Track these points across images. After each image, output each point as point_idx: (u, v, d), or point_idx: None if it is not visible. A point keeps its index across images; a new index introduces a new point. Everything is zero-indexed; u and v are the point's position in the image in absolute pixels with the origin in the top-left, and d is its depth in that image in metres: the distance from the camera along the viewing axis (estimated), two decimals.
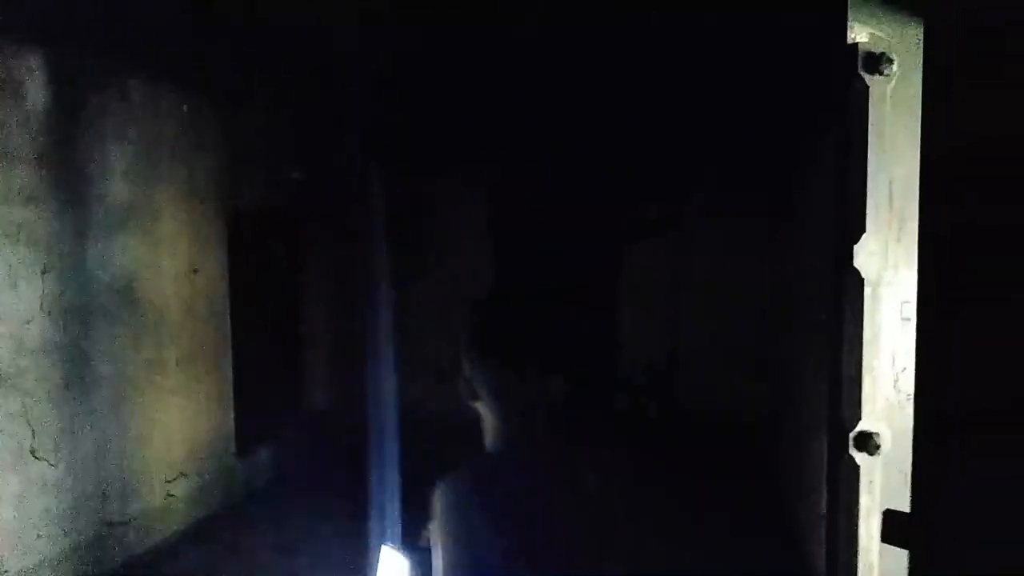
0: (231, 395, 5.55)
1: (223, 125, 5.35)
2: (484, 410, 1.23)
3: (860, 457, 1.14)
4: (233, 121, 5.44)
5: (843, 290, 1.14)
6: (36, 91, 3.83)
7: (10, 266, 3.71)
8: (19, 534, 3.76)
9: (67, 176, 4.06)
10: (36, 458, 3.87)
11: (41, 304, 3.89)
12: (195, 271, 5.11)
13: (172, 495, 4.89)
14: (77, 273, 4.14)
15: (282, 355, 6.16)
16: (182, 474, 5.00)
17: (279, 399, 6.11)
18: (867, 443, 1.12)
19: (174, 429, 4.93)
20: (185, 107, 4.94)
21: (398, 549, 1.43)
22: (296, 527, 5.06)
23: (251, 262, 5.68)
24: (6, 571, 3.68)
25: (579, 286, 6.22)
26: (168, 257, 4.86)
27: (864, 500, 1.16)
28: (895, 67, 1.10)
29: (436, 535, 1.13)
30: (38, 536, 3.87)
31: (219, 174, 5.36)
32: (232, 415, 5.56)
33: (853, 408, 1.13)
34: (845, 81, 1.12)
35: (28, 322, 3.81)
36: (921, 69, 1.10)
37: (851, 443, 1.15)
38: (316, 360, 6.79)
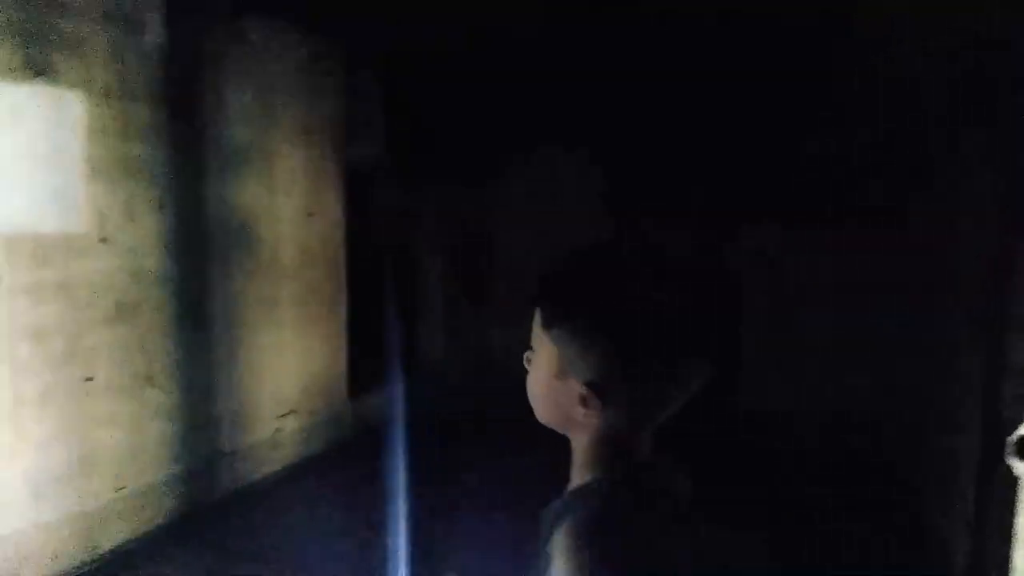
0: (344, 338, 5.63)
1: (340, 70, 5.32)
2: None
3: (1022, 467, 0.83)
4: (350, 66, 5.40)
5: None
6: (155, 29, 3.89)
7: (128, 200, 3.83)
8: (135, 455, 3.95)
9: (185, 115, 4.14)
10: (152, 385, 4.04)
11: (158, 238, 4.02)
12: (310, 214, 5.16)
13: (281, 430, 5.03)
14: (193, 210, 4.24)
15: (396, 302, 6.19)
16: (292, 411, 5.13)
17: (391, 345, 6.15)
18: None
19: (286, 367, 5.05)
20: (304, 51, 4.93)
21: None
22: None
23: (366, 208, 5.68)
24: (123, 487, 3.89)
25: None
26: (283, 199, 4.92)
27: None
28: None
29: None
30: (153, 459, 4.07)
31: (336, 120, 5.35)
32: (344, 357, 5.64)
33: (1018, 406, 0.81)
34: None
35: (145, 255, 3.94)
36: None
37: (1011, 449, 0.83)
38: (430, 308, 6.80)
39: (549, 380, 0.96)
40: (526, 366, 1.01)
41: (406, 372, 6.28)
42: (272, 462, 4.95)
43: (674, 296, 0.91)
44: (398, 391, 6.13)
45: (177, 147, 4.09)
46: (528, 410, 1.02)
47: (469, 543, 3.92)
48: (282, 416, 5.03)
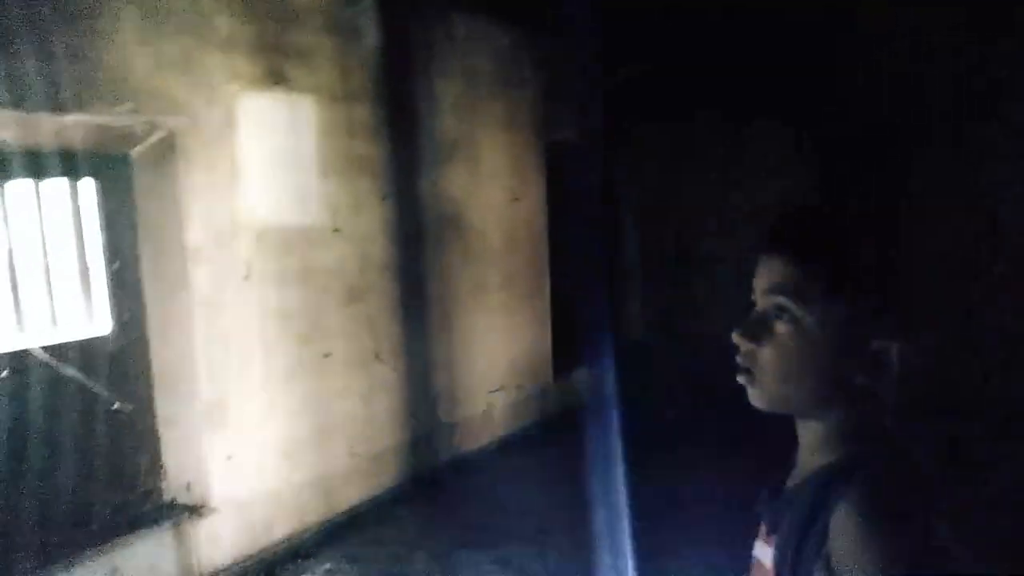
0: (548, 319, 5.78)
1: (538, 58, 5.44)
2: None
3: None
4: (548, 54, 5.50)
5: None
6: (372, 33, 4.22)
7: (356, 194, 4.21)
8: (365, 425, 4.36)
9: (401, 112, 4.46)
10: (380, 362, 4.43)
11: (382, 228, 4.38)
12: (515, 200, 5.35)
13: (492, 405, 5.29)
14: (411, 201, 4.57)
15: (598, 283, 6.24)
16: (502, 387, 5.37)
17: (593, 325, 6.22)
18: None
19: (495, 346, 5.30)
20: (505, 41, 5.10)
21: None
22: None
23: (568, 192, 5.77)
24: (356, 453, 4.32)
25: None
26: (490, 187, 5.14)
27: None
28: None
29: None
30: (381, 429, 4.47)
31: (536, 107, 5.48)
32: (548, 338, 5.80)
33: None
34: None
35: (371, 243, 4.32)
36: None
37: None
38: (630, 291, 6.78)
39: (818, 350, 0.87)
40: (743, 343, 0.92)
41: (609, 351, 6.32)
42: (484, 434, 5.22)
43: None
44: (601, 370, 6.19)
45: (395, 142, 4.43)
46: (737, 391, 0.95)
47: (676, 520, 3.88)
48: (492, 392, 5.28)
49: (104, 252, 3.59)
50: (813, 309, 0.86)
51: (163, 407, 3.73)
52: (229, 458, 3.73)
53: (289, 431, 3.97)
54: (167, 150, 3.50)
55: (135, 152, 3.54)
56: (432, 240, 4.74)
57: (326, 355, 4.12)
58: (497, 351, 5.31)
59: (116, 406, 3.48)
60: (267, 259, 3.82)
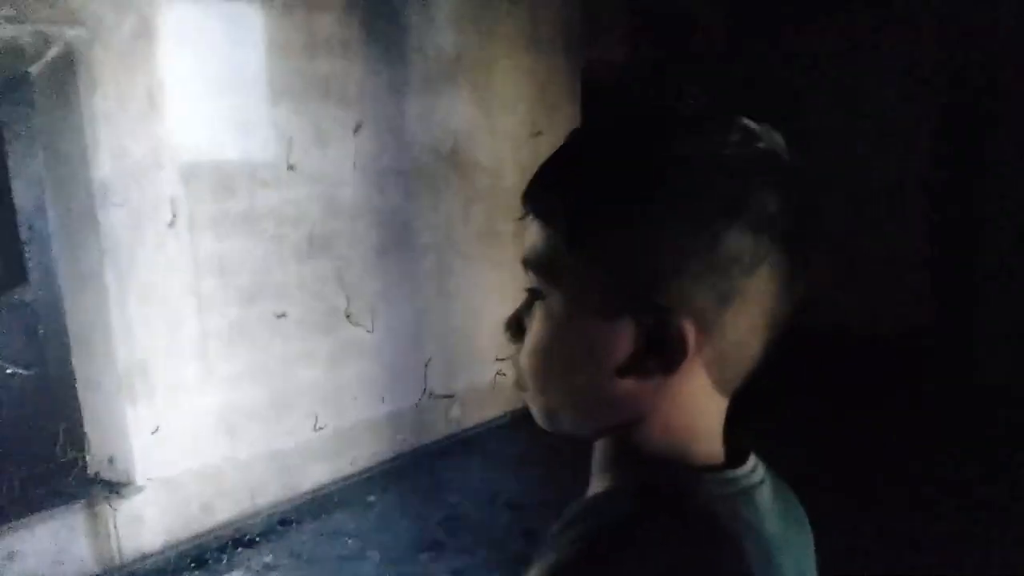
0: None
1: None
2: None
3: None
4: None
5: None
6: None
7: (317, 123, 3.51)
8: (332, 395, 3.77)
9: (381, 23, 3.67)
10: (352, 323, 3.79)
11: (354, 164, 3.67)
12: (538, 133, 4.48)
13: (504, 375, 4.58)
14: (395, 133, 3.82)
15: None
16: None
17: None
18: None
19: (509, 305, 4.54)
20: None
21: None
22: None
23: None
24: (322, 427, 3.74)
25: None
26: (504, 117, 4.30)
27: None
28: None
29: None
30: (354, 398, 3.86)
31: (571, 20, 4.54)
32: None
33: None
34: None
35: (340, 184, 3.63)
36: None
37: None
38: None
39: (568, 344, 0.59)
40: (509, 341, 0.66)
41: None
42: (491, 407, 4.54)
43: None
44: None
45: (373, 60, 3.67)
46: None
47: None
48: (503, 359, 4.57)
49: (12, 192, 3.10)
50: (562, 285, 0.59)
51: (82, 370, 3.26)
52: (156, 430, 3.23)
53: (232, 401, 3.43)
54: (66, 68, 2.90)
55: (34, 71, 2.97)
56: (423, 180, 3.99)
57: (279, 315, 3.51)
58: (510, 311, 4.55)
59: (9, 371, 3.02)
60: (199, 201, 3.21)
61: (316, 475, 3.75)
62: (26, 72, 2.95)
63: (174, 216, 3.14)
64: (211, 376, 3.35)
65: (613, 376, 0.56)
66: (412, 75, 3.84)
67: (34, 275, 3.08)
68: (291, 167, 3.45)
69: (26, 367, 3.08)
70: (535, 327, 0.62)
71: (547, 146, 4.46)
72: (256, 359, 3.47)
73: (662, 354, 0.54)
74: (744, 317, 0.55)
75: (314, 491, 3.73)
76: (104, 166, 2.95)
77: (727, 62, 5.26)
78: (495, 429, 4.51)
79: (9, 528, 2.94)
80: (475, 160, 4.20)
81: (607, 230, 0.56)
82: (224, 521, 3.44)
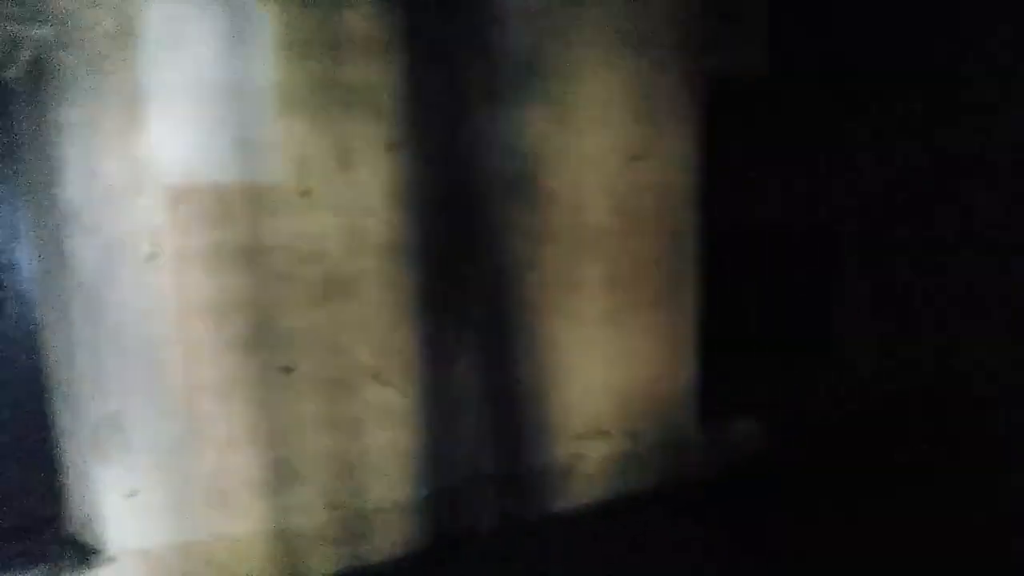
0: (692, 336, 3.97)
1: None
2: None
3: None
4: None
5: None
6: None
7: (342, 141, 2.91)
8: (355, 468, 3.12)
9: (427, 18, 3.02)
10: (380, 383, 3.13)
11: (388, 191, 3.03)
12: (635, 158, 3.61)
13: (582, 456, 3.70)
14: (441, 154, 3.14)
15: (781, 288, 4.22)
16: (601, 432, 3.75)
17: (770, 346, 4.23)
18: None
19: (594, 373, 3.68)
20: None
21: None
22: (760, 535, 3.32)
23: (733, 151, 3.84)
24: (338, 507, 3.10)
25: None
26: (591, 136, 3.48)
27: None
28: None
29: None
30: (382, 475, 3.19)
31: (689, 13, 3.64)
32: (692, 364, 3.99)
33: None
34: None
35: (368, 213, 3.00)
36: None
37: None
38: (844, 301, 4.51)
39: None
40: None
41: (791, 387, 4.29)
42: (566, 496, 3.67)
43: None
44: (782, 413, 4.20)
45: (417, 65, 3.02)
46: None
47: None
48: (582, 437, 3.69)
49: None
50: None
51: (59, 416, 2.86)
52: (133, 493, 2.74)
53: (226, 467, 2.88)
54: (37, 74, 2.52)
55: (11, 78, 2.62)
56: (480, 213, 3.27)
57: (286, 369, 2.93)
58: (595, 377, 3.68)
59: None
60: (189, 232, 2.71)
61: (326, 562, 3.11)
62: (5, 81, 2.62)
63: (156, 249, 2.66)
64: (200, 436, 2.83)
65: None
66: (468, 83, 3.15)
67: (8, 308, 2.72)
68: (305, 193, 2.87)
69: None
70: None
71: (651, 173, 3.60)
72: (257, 419, 2.90)
73: None
74: None
75: None
76: (71, 188, 2.53)
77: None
78: (567, 522, 3.63)
79: None
80: (553, 190, 3.41)
81: None
82: None
